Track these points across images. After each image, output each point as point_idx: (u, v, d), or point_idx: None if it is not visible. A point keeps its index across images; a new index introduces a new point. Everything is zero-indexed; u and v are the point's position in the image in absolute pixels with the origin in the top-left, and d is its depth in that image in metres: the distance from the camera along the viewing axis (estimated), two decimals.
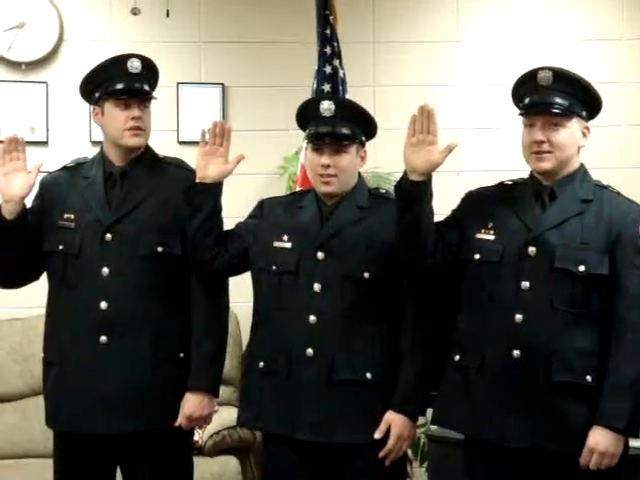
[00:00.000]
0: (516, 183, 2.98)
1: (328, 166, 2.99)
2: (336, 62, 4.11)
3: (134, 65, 3.12)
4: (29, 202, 3.20)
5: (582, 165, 2.92)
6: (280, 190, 4.60)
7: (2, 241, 3.09)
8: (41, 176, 3.19)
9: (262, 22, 5.31)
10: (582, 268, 2.78)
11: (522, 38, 5.44)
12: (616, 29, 5.50)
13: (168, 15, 4.14)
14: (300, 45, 4.99)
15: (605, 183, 2.93)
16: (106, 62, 3.16)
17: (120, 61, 3.14)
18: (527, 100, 2.87)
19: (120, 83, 3.09)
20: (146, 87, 3.13)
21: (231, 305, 3.24)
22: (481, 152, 5.35)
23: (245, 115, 5.25)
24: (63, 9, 5.22)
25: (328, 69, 4.10)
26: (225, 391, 4.23)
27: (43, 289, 3.24)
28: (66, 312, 3.11)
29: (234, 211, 3.24)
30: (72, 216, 3.12)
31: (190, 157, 3.27)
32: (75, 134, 5.19)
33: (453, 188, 3.26)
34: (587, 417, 2.77)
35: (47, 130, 5.22)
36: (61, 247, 3.11)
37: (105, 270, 3.07)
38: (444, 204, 3.00)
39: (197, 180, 3.05)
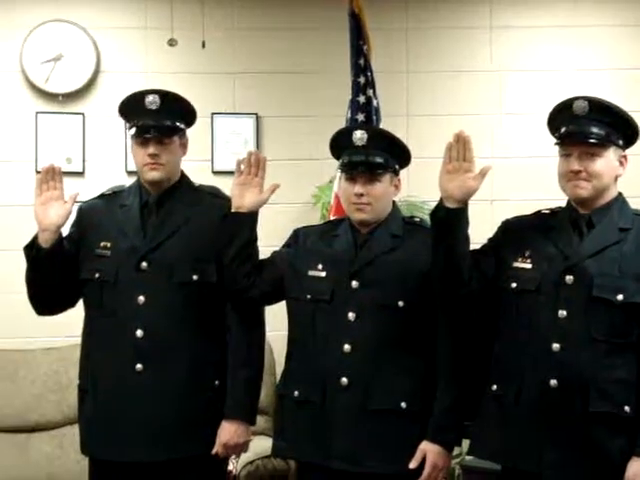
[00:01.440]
0: (553, 212, 2.96)
1: (362, 195, 2.99)
2: (370, 92, 4.13)
3: (151, 100, 3.13)
4: (67, 230, 3.22)
5: (620, 194, 2.91)
6: (314, 219, 4.60)
7: (38, 269, 3.12)
8: (77, 206, 3.22)
9: (295, 53, 5.34)
10: (620, 297, 2.75)
11: (557, 67, 5.42)
12: None
13: (204, 46, 4.18)
14: (334, 75, 5.01)
15: None
16: (126, 99, 3.20)
17: (138, 98, 3.16)
18: (563, 130, 2.86)
19: (137, 121, 3.12)
20: (167, 122, 3.12)
21: (266, 334, 3.24)
22: (515, 181, 5.33)
23: (278, 145, 5.28)
24: (100, 41, 5.29)
25: (362, 99, 4.11)
26: (259, 421, 4.19)
27: (79, 318, 3.26)
28: (102, 339, 3.12)
29: (268, 240, 3.25)
30: (108, 244, 3.15)
31: (224, 187, 3.29)
32: (111, 164, 5.24)
33: (487, 217, 3.25)
34: (625, 448, 2.73)
35: (83, 161, 5.27)
36: (97, 275, 3.13)
37: (141, 298, 3.08)
38: (478, 233, 2.99)
39: (233, 209, 3.06)
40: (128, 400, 3.05)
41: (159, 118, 3.11)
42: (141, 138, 3.11)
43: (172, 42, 4.05)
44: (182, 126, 3.18)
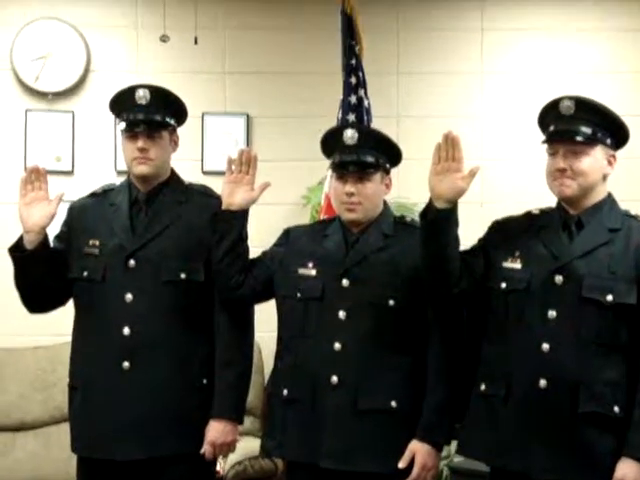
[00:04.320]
0: (543, 212, 2.96)
1: (352, 194, 2.99)
2: (361, 92, 4.12)
3: (140, 95, 3.13)
4: (57, 228, 3.21)
5: (610, 194, 2.90)
6: (303, 220, 4.59)
7: (24, 270, 3.10)
8: (64, 205, 3.20)
9: (287, 53, 5.35)
10: (610, 298, 2.75)
11: (546, 70, 5.44)
12: None
13: (196, 42, 4.16)
14: (325, 75, 5.01)
15: (633, 212, 2.91)
16: (117, 94, 3.19)
17: (128, 93, 3.15)
18: (551, 129, 2.86)
19: (126, 115, 3.12)
20: (156, 117, 3.12)
21: (254, 335, 3.22)
22: (505, 183, 5.34)
23: (269, 145, 5.27)
24: (90, 39, 5.28)
25: (353, 99, 4.11)
26: (247, 421, 4.19)
27: (68, 317, 3.25)
28: (90, 337, 3.12)
29: (258, 241, 3.24)
30: (97, 242, 3.14)
31: (215, 187, 3.29)
32: (100, 163, 5.23)
33: (477, 219, 3.25)
34: (615, 449, 2.73)
35: (73, 159, 5.27)
36: (86, 273, 3.12)
37: (129, 296, 3.07)
38: (468, 235, 2.98)
39: (223, 207, 3.06)
40: (115, 398, 3.03)
41: (149, 112, 3.10)
42: (130, 132, 3.11)
43: (164, 38, 4.04)
44: (172, 122, 3.17)
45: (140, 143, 3.09)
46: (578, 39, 5.48)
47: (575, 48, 5.48)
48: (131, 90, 3.15)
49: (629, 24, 5.50)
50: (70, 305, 3.24)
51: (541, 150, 2.93)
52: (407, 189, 4.70)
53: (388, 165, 3.06)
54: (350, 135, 3.02)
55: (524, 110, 5.25)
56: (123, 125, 3.13)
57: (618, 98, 5.16)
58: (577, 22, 5.48)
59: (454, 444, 3.03)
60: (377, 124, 4.33)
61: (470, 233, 3.00)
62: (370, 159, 3.00)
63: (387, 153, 3.05)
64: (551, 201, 2.96)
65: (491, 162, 5.20)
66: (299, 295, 3.00)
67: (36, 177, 3.10)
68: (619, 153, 2.90)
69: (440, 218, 2.81)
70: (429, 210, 2.83)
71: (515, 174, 5.36)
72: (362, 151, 3.00)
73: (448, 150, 2.81)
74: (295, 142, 5.24)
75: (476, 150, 5.14)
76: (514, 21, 5.49)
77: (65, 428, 3.33)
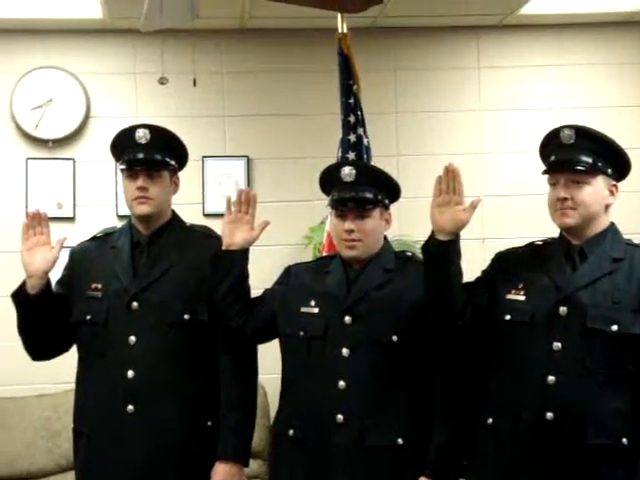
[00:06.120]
0: (546, 243, 2.95)
1: (352, 231, 2.98)
2: (360, 130, 4.12)
3: (140, 135, 3.13)
4: (59, 273, 3.21)
5: (612, 224, 2.90)
6: (306, 260, 4.58)
7: (27, 316, 3.09)
8: (65, 251, 3.19)
9: (285, 94, 5.38)
10: (615, 328, 2.73)
11: (544, 106, 5.47)
12: (638, 96, 5.54)
13: (195, 84, 4.19)
14: (324, 116, 5.04)
15: (637, 242, 2.90)
16: (117, 134, 3.20)
17: (128, 132, 3.16)
18: (551, 159, 2.86)
19: (127, 155, 3.12)
20: (156, 156, 3.12)
21: (259, 377, 3.21)
22: (506, 219, 5.34)
23: (270, 187, 5.29)
24: (89, 86, 5.31)
25: (352, 137, 4.10)
26: (253, 465, 4.17)
27: (71, 364, 3.23)
28: (94, 381, 3.09)
29: (261, 282, 3.23)
30: (99, 285, 3.13)
31: (216, 229, 3.28)
32: (102, 209, 5.24)
33: (479, 255, 3.25)
34: None
35: (74, 206, 5.28)
36: (88, 317, 3.11)
37: (132, 339, 3.06)
38: (470, 272, 2.97)
39: (224, 247, 3.05)
40: (120, 442, 3.01)
41: (148, 152, 3.11)
42: (130, 171, 3.11)
43: (163, 80, 4.05)
44: (172, 162, 3.17)
45: (140, 182, 3.09)
46: (577, 73, 5.51)
47: (574, 83, 5.51)
48: (131, 130, 3.16)
49: (622, 58, 5.56)
50: (73, 352, 3.23)
51: (541, 185, 2.93)
52: (408, 227, 4.71)
53: (387, 201, 3.06)
54: (348, 172, 3.02)
55: (523, 146, 5.29)
56: (123, 166, 3.13)
57: (617, 131, 5.16)
58: (574, 57, 5.52)
59: None
60: (377, 163, 4.31)
61: (472, 270, 2.98)
62: (369, 195, 3.00)
63: (385, 189, 3.05)
64: (553, 236, 2.95)
65: (492, 198, 5.21)
66: (302, 334, 2.98)
67: (38, 222, 3.10)
68: (623, 186, 2.90)
69: (442, 250, 2.80)
70: (431, 242, 2.83)
71: (516, 210, 5.36)
72: (360, 188, 3.00)
73: (449, 182, 2.82)
74: (296, 183, 5.26)
75: (476, 186, 5.14)
76: (510, 58, 5.53)
77: (71, 476, 3.31)
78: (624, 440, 2.71)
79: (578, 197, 2.80)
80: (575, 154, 2.81)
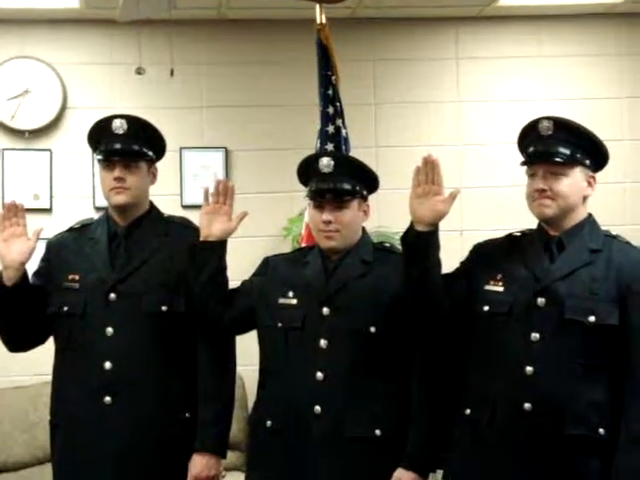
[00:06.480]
0: (524, 234, 2.95)
1: (330, 222, 2.97)
2: (339, 122, 4.11)
3: (117, 125, 3.11)
4: (36, 265, 3.18)
5: (590, 215, 2.90)
6: (284, 251, 4.58)
7: (3, 307, 3.07)
8: (42, 242, 3.17)
9: (264, 85, 5.37)
10: (592, 319, 2.74)
11: (522, 97, 5.49)
12: (615, 88, 5.56)
13: (172, 75, 4.17)
14: (303, 107, 5.03)
15: (614, 233, 2.91)
16: (94, 125, 3.18)
17: (105, 123, 3.14)
18: (530, 150, 2.86)
19: (103, 145, 3.10)
20: (133, 146, 3.10)
21: (237, 368, 3.20)
22: (484, 211, 5.35)
23: (248, 178, 5.28)
24: (66, 77, 5.28)
25: (331, 129, 4.09)
26: (231, 456, 4.15)
27: (48, 356, 3.21)
28: (71, 373, 3.08)
29: (239, 273, 3.22)
30: (77, 277, 3.11)
31: (195, 220, 3.26)
32: (79, 201, 5.22)
33: (457, 247, 3.25)
34: (601, 471, 2.71)
35: (51, 197, 5.25)
36: (65, 308, 3.10)
37: (109, 330, 3.04)
38: (448, 264, 2.96)
39: (201, 238, 3.04)
40: (97, 434, 3.00)
41: (125, 142, 3.09)
42: (107, 162, 3.09)
43: (140, 71, 4.03)
44: (149, 153, 3.15)
45: (117, 172, 3.07)
46: (555, 65, 5.53)
47: (551, 74, 5.52)
48: (108, 120, 3.14)
49: (600, 49, 5.58)
50: (50, 344, 3.21)
51: (519, 177, 2.93)
52: (387, 218, 4.71)
53: (365, 192, 3.05)
54: (326, 163, 3.02)
55: (501, 138, 5.30)
56: (100, 156, 3.11)
57: (594, 123, 5.18)
58: (553, 49, 5.53)
59: (440, 473, 3.00)
60: (356, 154, 4.27)
61: (451, 261, 2.98)
62: (347, 186, 2.99)
63: (363, 180, 3.04)
64: (531, 227, 2.95)
65: (470, 190, 5.22)
66: (280, 325, 2.98)
67: (14, 213, 3.08)
68: (600, 178, 2.89)
69: (421, 241, 2.80)
70: (410, 234, 2.82)
71: (494, 201, 5.38)
72: (338, 179, 2.99)
73: (428, 173, 2.81)
74: (274, 174, 5.25)
75: (454, 178, 5.16)
76: (488, 49, 5.54)
77: (48, 469, 3.28)
78: (601, 431, 2.72)
79: (556, 188, 2.80)
80: (553, 146, 2.81)
